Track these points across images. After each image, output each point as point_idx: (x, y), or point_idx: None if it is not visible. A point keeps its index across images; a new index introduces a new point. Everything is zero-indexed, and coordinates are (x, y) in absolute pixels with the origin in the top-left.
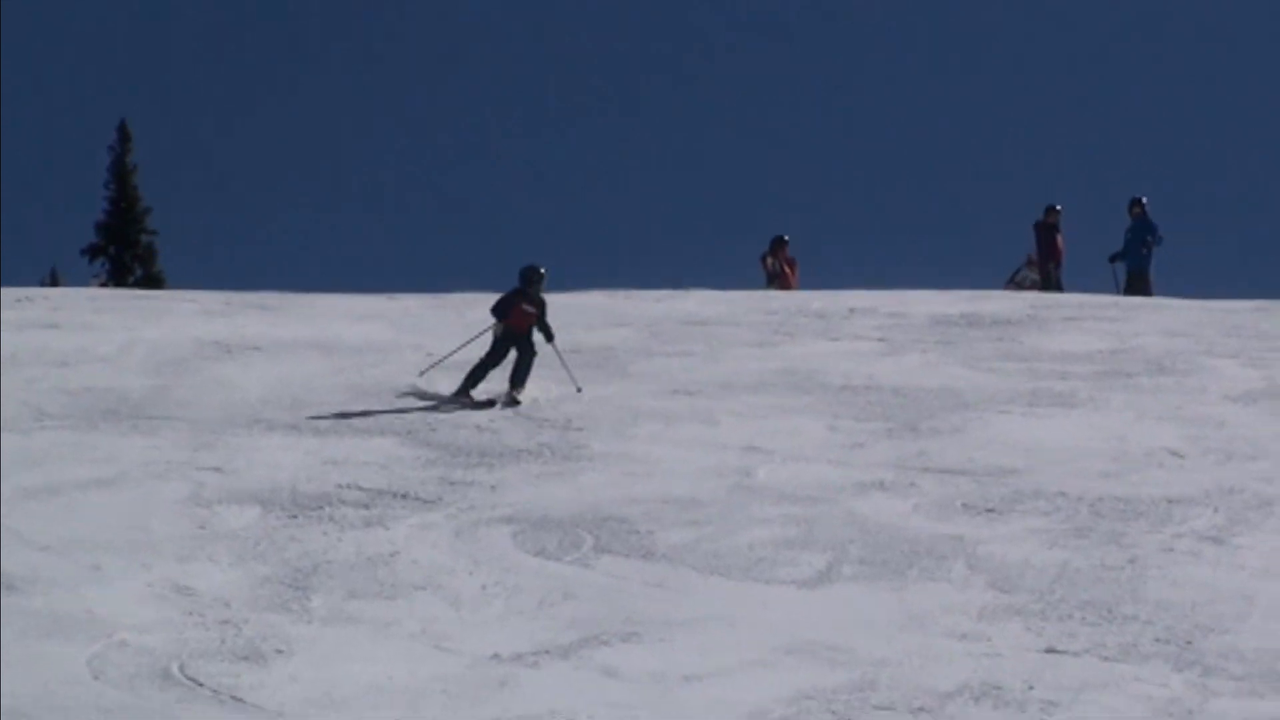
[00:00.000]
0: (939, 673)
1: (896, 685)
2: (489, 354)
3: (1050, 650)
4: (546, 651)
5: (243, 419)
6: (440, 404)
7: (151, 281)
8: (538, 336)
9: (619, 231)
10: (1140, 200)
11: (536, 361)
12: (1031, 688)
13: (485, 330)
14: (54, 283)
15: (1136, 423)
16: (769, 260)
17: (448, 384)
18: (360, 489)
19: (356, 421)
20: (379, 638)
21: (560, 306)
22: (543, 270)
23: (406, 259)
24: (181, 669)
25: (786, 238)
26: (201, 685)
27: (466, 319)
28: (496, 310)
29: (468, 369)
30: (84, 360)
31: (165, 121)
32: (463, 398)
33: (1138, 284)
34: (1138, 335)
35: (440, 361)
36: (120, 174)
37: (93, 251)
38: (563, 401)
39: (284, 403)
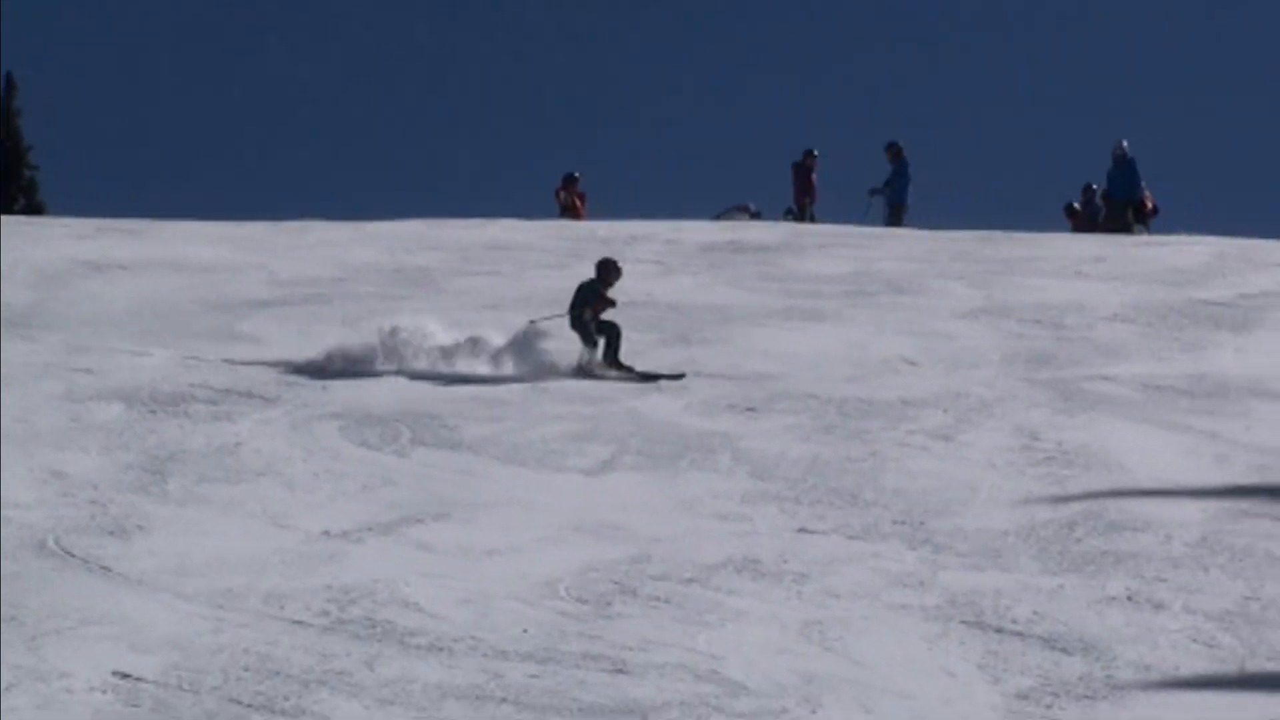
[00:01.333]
0: (706, 548)
1: (669, 559)
2: (589, 339)
3: (802, 530)
4: (369, 529)
5: (110, 328)
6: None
7: (33, 210)
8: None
9: (435, 165)
10: (895, 144)
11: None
12: (785, 561)
13: (556, 316)
14: None
15: (876, 335)
16: (562, 194)
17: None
18: (210, 388)
19: (206, 330)
20: (225, 516)
21: (383, 233)
22: (621, 266)
23: (248, 189)
24: (57, 542)
25: (577, 174)
26: (74, 556)
27: (302, 241)
28: (586, 300)
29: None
30: None
31: (45, 71)
32: (612, 368)
33: (898, 215)
34: (878, 260)
35: (548, 318)
36: (6, 118)
37: None
38: (384, 314)
39: (145, 314)
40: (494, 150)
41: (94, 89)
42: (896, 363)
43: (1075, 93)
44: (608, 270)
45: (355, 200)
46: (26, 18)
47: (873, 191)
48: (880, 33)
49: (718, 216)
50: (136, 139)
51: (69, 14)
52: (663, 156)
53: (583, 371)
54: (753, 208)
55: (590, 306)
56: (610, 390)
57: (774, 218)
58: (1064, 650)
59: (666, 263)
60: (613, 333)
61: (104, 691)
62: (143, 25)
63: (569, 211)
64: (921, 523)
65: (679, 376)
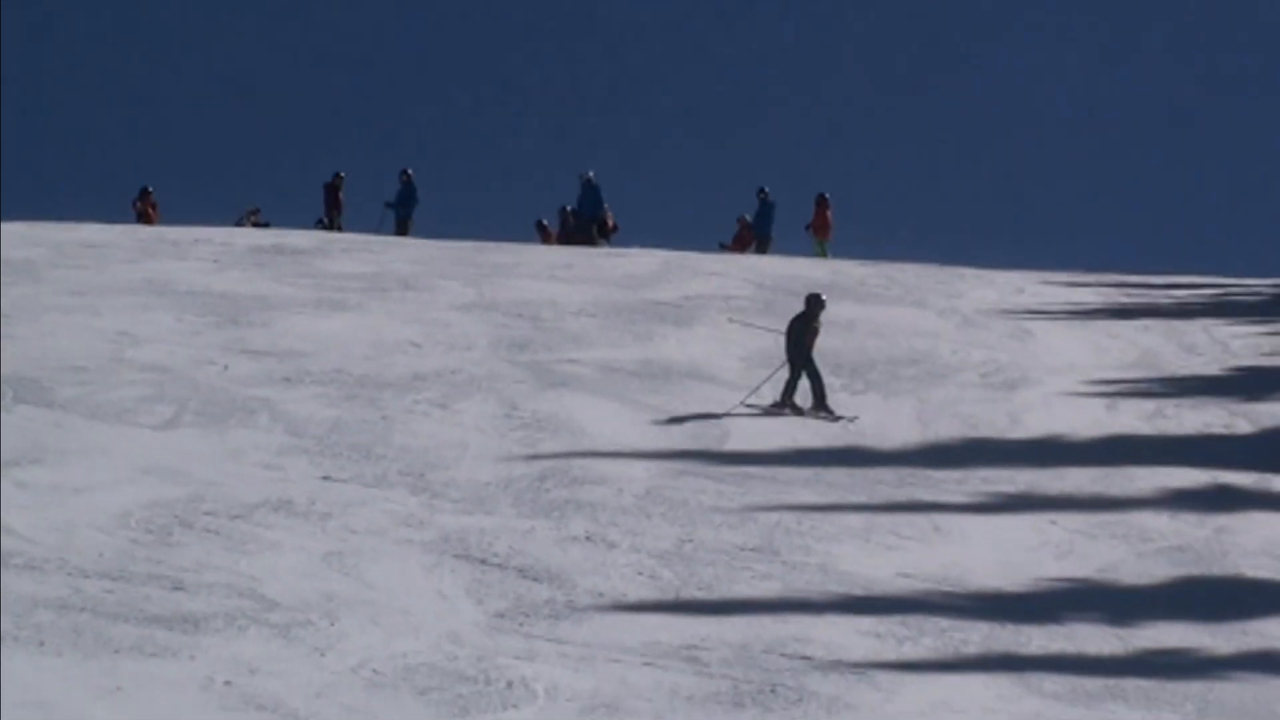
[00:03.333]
0: (249, 491)
1: (219, 499)
2: (793, 372)
3: (326, 478)
4: None
5: None
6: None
7: None
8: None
9: (46, 173)
10: (406, 170)
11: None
12: (313, 503)
13: (782, 366)
14: None
15: (389, 322)
16: (138, 204)
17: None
18: None
19: None
20: None
21: None
22: (818, 295)
23: None
24: None
25: (151, 188)
26: None
27: None
28: (801, 337)
29: (781, 386)
30: None
31: None
32: (786, 408)
33: (404, 227)
34: (392, 263)
35: (759, 388)
36: None
37: None
38: None
39: None
40: (84, 161)
41: None
42: (405, 345)
43: (553, 127)
44: (815, 304)
45: None
46: None
47: (386, 205)
48: (395, 71)
49: (238, 222)
50: None
51: None
52: (216, 174)
53: (823, 411)
54: (258, 209)
55: (806, 344)
56: (174, 362)
57: (308, 226)
58: (534, 579)
59: (222, 261)
60: (816, 377)
61: None
62: None
63: (143, 218)
64: (422, 474)
65: (853, 419)
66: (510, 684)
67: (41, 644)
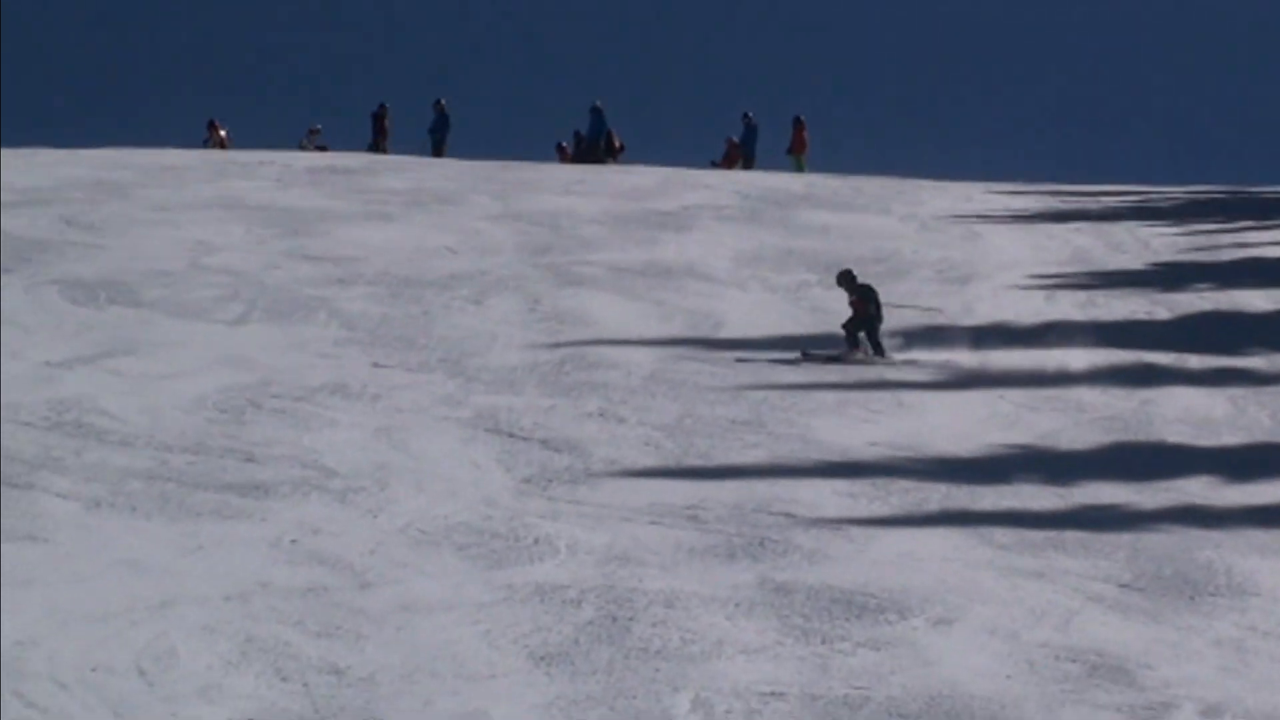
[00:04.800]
0: (310, 376)
1: (286, 382)
2: (847, 330)
3: (376, 364)
4: (78, 360)
5: None
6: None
7: None
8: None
9: (133, 104)
10: (440, 100)
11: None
12: (365, 386)
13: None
14: None
15: (429, 231)
16: (209, 134)
17: None
18: None
19: None
20: None
21: (90, 157)
22: (844, 270)
23: None
24: None
25: (216, 121)
26: None
27: (32, 162)
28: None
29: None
30: None
31: None
32: (852, 353)
33: (440, 149)
34: (429, 180)
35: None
36: None
37: None
38: (89, 213)
39: None
40: (167, 94)
41: None
42: (442, 251)
43: (566, 60)
44: (839, 281)
45: (68, 130)
46: None
47: (430, 131)
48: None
49: (301, 145)
50: None
51: None
52: (269, 100)
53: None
54: (319, 128)
55: (860, 314)
56: (246, 267)
57: (359, 150)
58: (555, 450)
59: (284, 180)
60: (874, 332)
61: None
62: None
63: (214, 144)
64: (459, 361)
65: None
66: (536, 540)
67: (133, 509)
